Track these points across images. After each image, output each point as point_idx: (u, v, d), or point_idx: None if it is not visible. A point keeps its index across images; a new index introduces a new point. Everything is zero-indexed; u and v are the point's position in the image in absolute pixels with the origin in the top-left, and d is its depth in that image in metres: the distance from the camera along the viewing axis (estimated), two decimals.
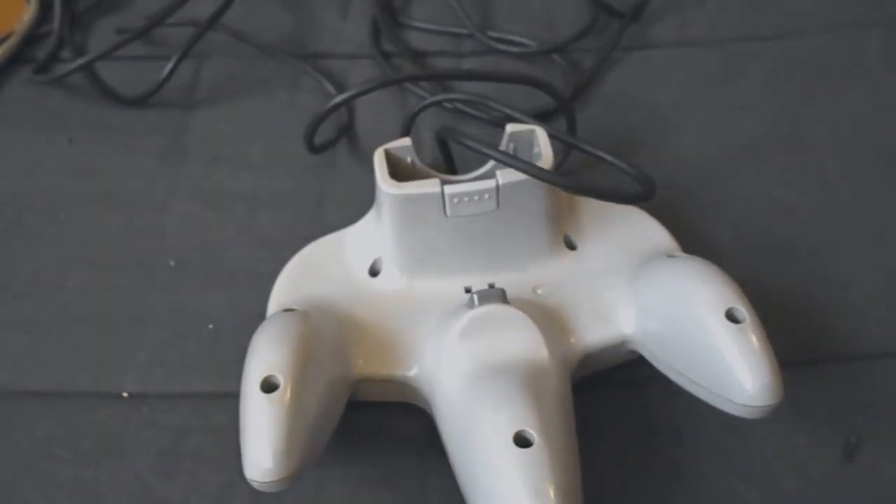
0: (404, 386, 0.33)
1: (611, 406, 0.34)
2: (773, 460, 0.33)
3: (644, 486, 0.32)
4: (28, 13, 0.48)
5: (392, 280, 0.35)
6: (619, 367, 0.35)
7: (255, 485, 0.27)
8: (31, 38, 0.48)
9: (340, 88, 0.46)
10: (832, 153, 0.42)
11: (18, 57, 0.47)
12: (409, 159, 0.35)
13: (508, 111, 0.37)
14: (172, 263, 0.39)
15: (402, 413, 0.34)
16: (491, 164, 0.35)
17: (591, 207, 0.37)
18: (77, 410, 0.34)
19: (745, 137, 0.43)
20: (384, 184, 0.33)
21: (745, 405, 0.28)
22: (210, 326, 0.36)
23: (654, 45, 0.48)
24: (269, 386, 0.28)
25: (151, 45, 0.48)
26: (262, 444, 0.27)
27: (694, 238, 0.36)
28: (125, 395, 0.35)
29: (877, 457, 0.33)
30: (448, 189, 0.33)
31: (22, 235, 0.40)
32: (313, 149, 0.41)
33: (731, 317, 0.29)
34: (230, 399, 0.30)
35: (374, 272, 0.35)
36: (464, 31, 0.49)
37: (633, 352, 0.33)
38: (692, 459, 0.33)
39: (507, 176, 0.33)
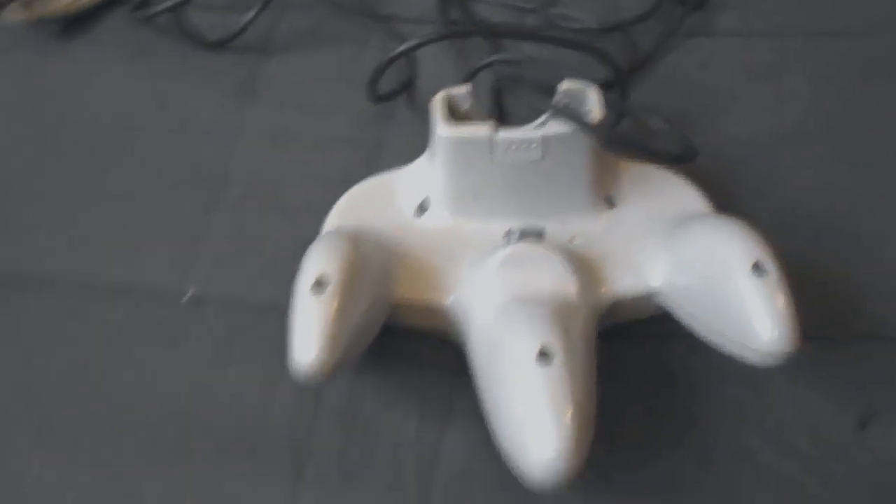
0: (439, 313, 0.35)
1: (633, 357, 0.36)
2: (788, 422, 0.34)
3: (660, 434, 0.34)
4: None
5: (437, 218, 0.37)
6: (643, 322, 0.36)
7: (297, 375, 0.30)
8: None
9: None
10: (880, 146, 0.43)
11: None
12: (466, 107, 0.37)
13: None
14: (237, 191, 0.42)
15: (435, 345, 0.36)
16: (540, 121, 0.37)
17: (633, 171, 0.39)
18: (143, 305, 0.38)
19: (793, 125, 0.44)
20: (439, 125, 0.36)
21: (761, 351, 0.29)
22: (267, 247, 0.39)
23: (714, 33, 0.49)
24: (318, 288, 0.30)
25: None
26: (307, 338, 0.29)
27: (729, 206, 0.38)
28: (186, 297, 0.38)
29: (890, 429, 0.33)
30: (498, 135, 0.35)
31: (103, 154, 0.44)
32: (375, 98, 0.43)
33: (757, 269, 0.30)
34: (280, 311, 0.32)
35: (422, 209, 0.38)
36: (529, 6, 0.51)
37: (659, 307, 0.35)
38: (708, 414, 0.34)
39: (554, 127, 0.35)
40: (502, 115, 0.42)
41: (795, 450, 0.33)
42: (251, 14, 0.48)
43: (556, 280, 0.33)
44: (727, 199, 0.39)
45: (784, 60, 0.48)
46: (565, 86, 0.37)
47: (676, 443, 0.33)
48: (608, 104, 0.37)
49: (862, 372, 0.35)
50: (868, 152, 0.43)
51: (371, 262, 0.34)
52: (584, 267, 0.35)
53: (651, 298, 0.35)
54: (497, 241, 0.35)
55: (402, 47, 0.40)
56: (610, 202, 0.38)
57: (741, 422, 0.34)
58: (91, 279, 0.39)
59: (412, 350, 0.36)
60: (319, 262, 0.31)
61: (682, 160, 0.36)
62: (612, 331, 0.35)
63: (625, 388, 0.35)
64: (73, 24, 0.49)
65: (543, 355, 0.28)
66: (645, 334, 0.36)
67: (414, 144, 0.40)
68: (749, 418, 0.34)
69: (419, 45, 0.40)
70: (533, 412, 0.28)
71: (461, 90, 0.37)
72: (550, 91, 0.37)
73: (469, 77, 0.41)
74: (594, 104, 0.36)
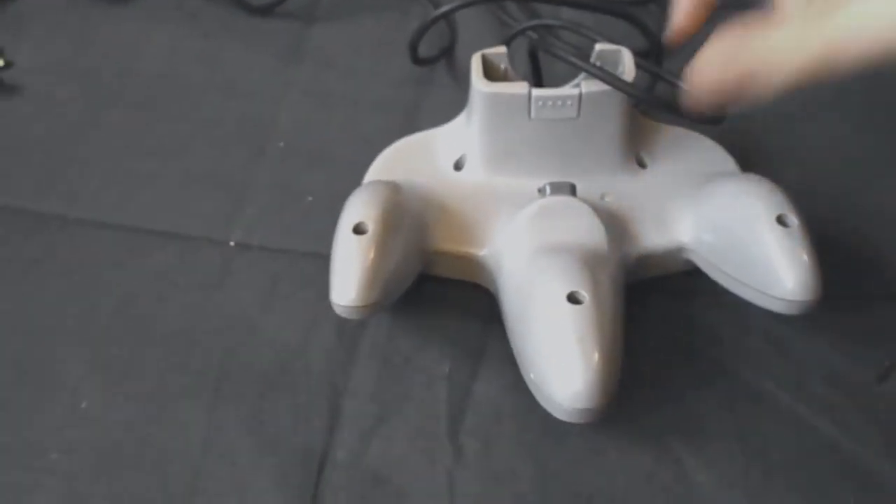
0: (474, 263, 0.36)
1: (661, 309, 0.37)
2: (807, 370, 0.35)
3: (683, 378, 0.35)
4: None
5: (474, 174, 0.39)
6: (671, 277, 0.37)
7: (338, 309, 0.32)
8: None
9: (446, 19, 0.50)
10: None
11: None
12: (502, 67, 0.39)
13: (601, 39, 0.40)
14: (281, 145, 0.44)
15: (469, 292, 0.37)
16: (575, 83, 0.38)
17: (664, 134, 0.40)
18: (190, 250, 0.39)
19: (824, 93, 0.45)
20: (477, 82, 0.37)
21: (784, 299, 0.31)
22: (310, 199, 0.41)
23: (752, 4, 0.50)
24: (359, 230, 0.32)
25: None
26: (349, 274, 0.31)
27: (753, 166, 0.39)
28: (232, 243, 0.40)
29: None
30: (535, 92, 0.36)
31: (154, 109, 0.46)
32: (416, 60, 0.45)
33: (781, 221, 0.32)
34: (321, 258, 0.34)
35: (458, 166, 0.39)
36: None
37: (688, 261, 0.36)
38: (730, 362, 0.35)
39: (590, 86, 0.36)
40: (539, 80, 0.43)
41: (812, 395, 0.34)
42: None
43: (587, 231, 0.34)
44: (752, 163, 0.40)
45: None
46: (599, 48, 0.38)
47: (698, 386, 0.35)
48: (643, 68, 0.39)
49: (882, 330, 0.36)
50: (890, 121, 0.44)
51: (409, 212, 0.36)
52: (614, 222, 0.36)
53: (679, 253, 0.36)
54: (531, 196, 0.37)
55: (443, 9, 0.41)
56: (641, 162, 0.39)
57: (761, 369, 0.35)
58: (141, 223, 0.41)
59: (447, 296, 0.37)
60: (360, 207, 0.33)
61: (711, 122, 0.37)
62: (640, 284, 0.36)
63: (651, 336, 0.36)
64: None
65: (573, 296, 0.30)
66: (672, 289, 0.37)
67: (451, 109, 0.41)
68: (769, 366, 0.35)
69: (458, 7, 0.41)
70: (563, 347, 0.29)
71: (499, 50, 0.38)
72: (586, 56, 0.38)
73: (506, 42, 0.42)
74: (627, 67, 0.37)
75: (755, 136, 0.42)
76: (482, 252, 0.36)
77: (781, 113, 0.44)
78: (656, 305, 0.37)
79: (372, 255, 0.32)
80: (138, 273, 0.39)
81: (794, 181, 0.40)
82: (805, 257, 0.30)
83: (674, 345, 0.36)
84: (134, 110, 0.46)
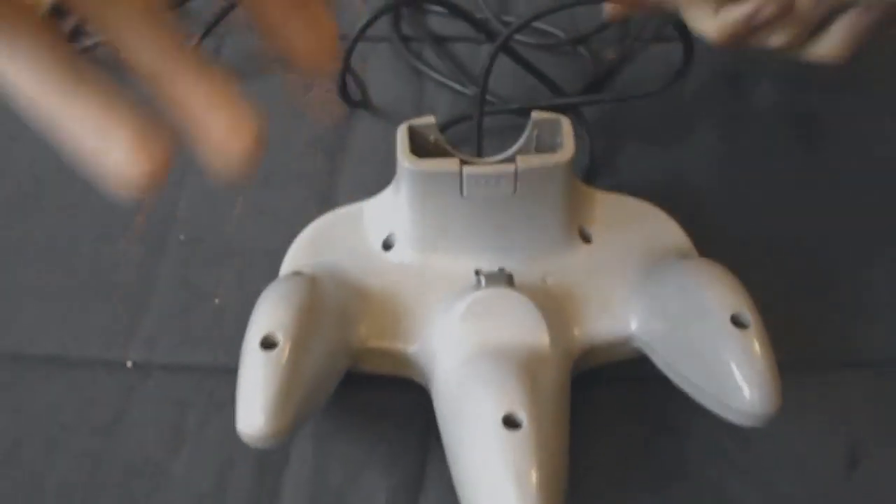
0: (405, 360, 0.32)
1: (611, 401, 0.34)
2: (774, 465, 0.32)
3: (642, 482, 0.32)
4: None
5: (404, 255, 0.35)
6: (621, 363, 0.34)
7: (247, 438, 0.27)
8: (56, 11, 0.48)
9: (353, 73, 0.46)
10: (854, 156, 0.42)
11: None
12: (432, 138, 0.35)
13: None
14: (182, 238, 0.39)
15: (404, 390, 0.33)
16: (514, 149, 0.35)
17: (610, 203, 0.37)
18: (83, 378, 0.34)
19: (762, 137, 0.43)
20: (404, 158, 0.33)
21: (741, 411, 0.27)
22: (217, 301, 0.36)
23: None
24: (268, 344, 0.28)
25: (175, 20, 0.48)
26: (255, 400, 0.27)
27: (709, 235, 0.36)
28: (130, 364, 0.35)
29: (882, 468, 0.32)
30: (466, 170, 0.33)
31: (37, 205, 0.40)
32: (345, 97, 0.43)
33: (737, 321, 0.28)
34: (233, 373, 0.29)
35: (387, 246, 0.35)
36: (485, 16, 0.49)
37: (637, 349, 0.33)
38: (690, 457, 0.32)
39: (526, 162, 0.33)
40: (479, 144, 0.39)
41: (782, 497, 0.31)
42: (192, 43, 0.45)
43: (527, 329, 0.30)
44: (699, 220, 0.37)
45: (746, 67, 0.46)
46: (535, 116, 0.35)
47: (656, 489, 0.32)
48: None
49: (848, 403, 0.34)
50: (844, 162, 0.42)
51: (331, 308, 0.31)
52: (557, 309, 0.33)
53: (628, 342, 0.33)
54: (466, 280, 0.33)
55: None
56: (586, 236, 0.36)
57: (724, 466, 0.32)
58: (23, 347, 0.35)
59: (378, 403, 0.34)
60: (269, 315, 0.29)
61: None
62: (587, 373, 0.33)
63: (602, 435, 0.33)
64: None
65: (509, 420, 0.26)
66: (622, 376, 0.34)
67: (374, 177, 0.37)
68: (733, 462, 0.32)
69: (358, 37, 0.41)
70: (497, 479, 0.26)
71: (427, 121, 0.35)
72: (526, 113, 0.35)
73: (444, 128, 0.40)
74: (566, 136, 0.34)
75: (699, 196, 0.40)
76: (413, 348, 0.32)
77: (722, 168, 0.42)
78: (606, 394, 0.34)
79: (282, 374, 0.27)
80: (24, 414, 0.33)
81: (744, 240, 0.39)
82: (763, 367, 0.27)
83: (627, 442, 0.33)
84: (7, 209, 0.40)
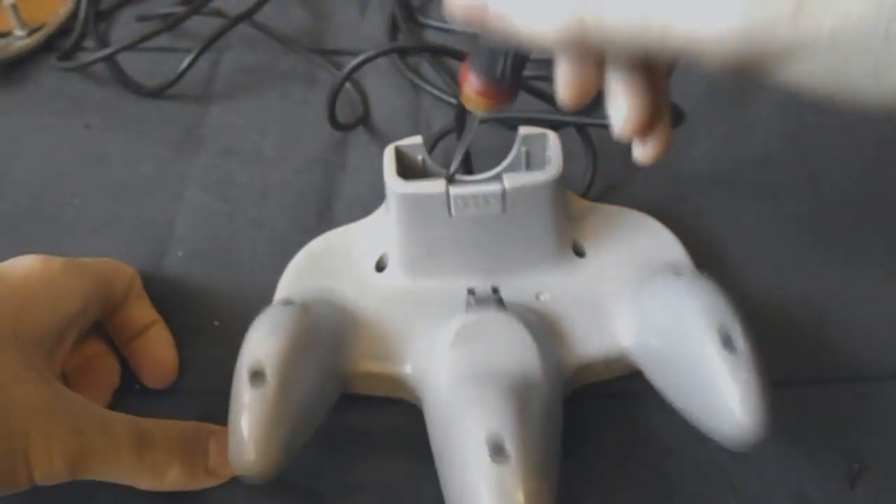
0: (398, 382, 0.32)
1: (604, 417, 0.33)
2: (772, 483, 0.32)
3: (635, 499, 0.32)
4: (63, 6, 0.49)
5: (396, 277, 0.35)
6: (615, 379, 0.34)
7: (239, 474, 0.27)
8: (64, 30, 0.49)
9: (355, 84, 0.46)
10: (848, 168, 0.41)
11: (47, 46, 0.48)
12: (419, 158, 0.35)
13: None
14: (181, 254, 0.39)
15: (400, 412, 0.33)
16: (503, 166, 0.35)
17: (603, 215, 0.36)
18: None
19: (757, 152, 0.42)
20: (391, 181, 0.33)
21: (728, 436, 0.27)
22: (216, 323, 0.36)
23: None
24: (256, 379, 0.28)
25: (172, 36, 0.48)
26: (245, 437, 0.27)
27: (703, 250, 0.36)
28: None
29: (882, 485, 0.31)
30: (453, 190, 0.32)
31: (36, 218, 0.40)
32: (336, 125, 0.42)
33: (727, 343, 0.28)
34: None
35: (379, 268, 0.35)
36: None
37: (631, 366, 0.33)
38: (685, 476, 0.32)
39: (513, 180, 0.33)
40: (468, 163, 0.39)
41: None
42: (190, 57, 0.45)
43: (516, 352, 0.30)
44: (694, 235, 0.37)
45: (744, 84, 0.45)
46: (523, 132, 0.34)
47: None
48: None
49: (847, 419, 0.33)
50: (836, 174, 0.41)
51: (323, 335, 0.31)
52: (549, 326, 0.33)
53: (621, 359, 0.32)
54: (459, 300, 0.33)
55: (352, 64, 0.40)
56: (579, 250, 0.35)
57: (720, 485, 0.32)
58: None
59: (372, 431, 0.33)
60: (260, 346, 0.29)
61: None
62: (580, 389, 0.33)
63: (595, 452, 0.32)
64: None
65: (496, 449, 0.26)
66: (615, 392, 0.34)
67: (371, 193, 0.37)
68: (729, 481, 0.32)
69: (364, 61, 0.40)
70: None
71: (414, 141, 0.34)
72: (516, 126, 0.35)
73: (432, 145, 0.39)
74: (553, 150, 0.34)
75: (694, 210, 0.39)
76: (406, 370, 0.32)
77: (716, 183, 0.41)
78: (597, 412, 0.33)
79: (271, 410, 0.27)
80: None
81: (739, 254, 0.38)
82: (753, 392, 0.27)
83: (621, 459, 0.32)
84: (6, 224, 0.40)
